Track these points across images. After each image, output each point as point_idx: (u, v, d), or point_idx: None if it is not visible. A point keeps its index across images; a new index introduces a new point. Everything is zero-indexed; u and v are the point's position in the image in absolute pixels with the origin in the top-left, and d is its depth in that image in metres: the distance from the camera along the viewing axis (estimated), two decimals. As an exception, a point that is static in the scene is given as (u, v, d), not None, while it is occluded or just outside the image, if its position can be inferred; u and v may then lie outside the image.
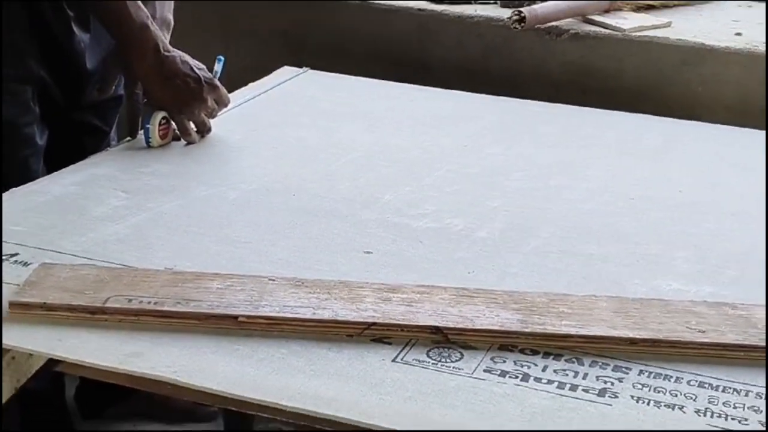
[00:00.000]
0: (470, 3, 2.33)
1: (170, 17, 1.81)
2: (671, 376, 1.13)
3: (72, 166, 1.67)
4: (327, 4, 2.45)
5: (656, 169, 1.86)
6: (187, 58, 1.70)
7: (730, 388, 1.10)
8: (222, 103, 1.76)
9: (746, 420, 1.05)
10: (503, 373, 1.11)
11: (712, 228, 1.60)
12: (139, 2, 1.62)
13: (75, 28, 1.76)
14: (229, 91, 1.86)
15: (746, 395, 1.09)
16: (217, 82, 1.74)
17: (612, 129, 1.99)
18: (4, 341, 1.16)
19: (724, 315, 1.22)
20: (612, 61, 2.20)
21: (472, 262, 1.41)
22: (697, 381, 1.12)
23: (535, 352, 1.16)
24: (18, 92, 1.72)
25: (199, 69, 1.70)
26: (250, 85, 2.07)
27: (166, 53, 1.68)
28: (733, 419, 1.04)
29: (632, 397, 1.08)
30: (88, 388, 2.13)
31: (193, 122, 1.71)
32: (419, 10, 2.36)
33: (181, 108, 1.73)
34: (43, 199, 1.55)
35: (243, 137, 1.86)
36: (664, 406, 1.08)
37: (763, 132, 1.94)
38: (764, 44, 2.11)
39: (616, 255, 1.47)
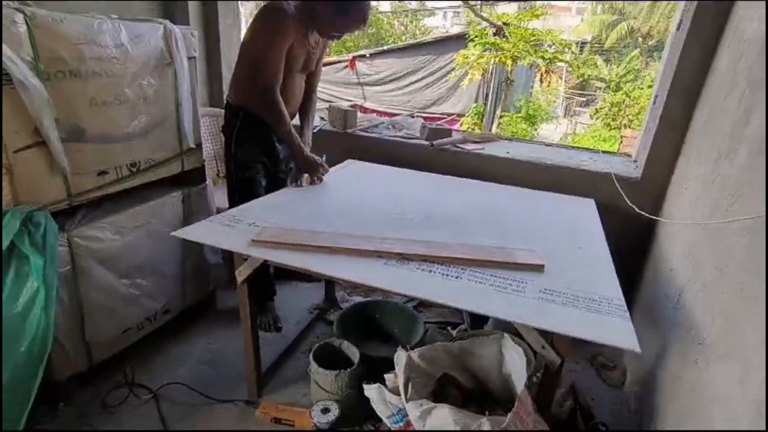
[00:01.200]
0: (418, 140, 2.49)
1: (310, 140, 2.03)
2: (482, 272, 1.22)
3: (275, 192, 1.86)
4: (361, 138, 2.53)
5: (480, 197, 1.90)
6: (314, 155, 1.95)
7: (506, 279, 1.19)
8: (326, 171, 1.99)
9: (504, 288, 1.14)
10: (422, 270, 1.22)
11: (498, 221, 1.64)
12: (296, 133, 1.89)
13: (276, 142, 1.99)
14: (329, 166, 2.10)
15: (511, 281, 1.17)
16: (325, 164, 1.98)
17: (464, 185, 2.10)
18: (250, 254, 1.27)
19: (502, 251, 1.31)
20: (462, 161, 2.32)
21: (415, 230, 1.49)
22: (491, 274, 1.20)
23: (434, 263, 1.25)
24: (256, 168, 1.96)
25: (318, 158, 1.95)
26: (336, 166, 2.21)
27: (306, 154, 1.92)
28: (504, 289, 1.13)
29: (468, 279, 1.19)
30: (278, 271, 2.16)
31: (316, 178, 1.95)
32: (400, 141, 2.44)
33: (312, 173, 1.94)
34: (265, 203, 1.71)
35: (333, 185, 1.96)
36: (477, 282, 1.17)
37: (529, 189, 2.05)
38: (524, 157, 2.26)
39: (471, 230, 1.53)
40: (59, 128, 1.37)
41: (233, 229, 1.38)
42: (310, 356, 1.59)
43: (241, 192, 1.90)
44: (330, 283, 2.29)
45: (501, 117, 8.89)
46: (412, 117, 2.82)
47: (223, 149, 2.04)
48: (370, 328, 1.98)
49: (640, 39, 14.36)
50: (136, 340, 1.78)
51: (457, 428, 1.08)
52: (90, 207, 1.57)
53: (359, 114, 2.73)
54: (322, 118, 2.72)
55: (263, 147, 1.94)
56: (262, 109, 1.80)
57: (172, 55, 1.66)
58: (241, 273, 1.40)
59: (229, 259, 1.44)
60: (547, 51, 8.10)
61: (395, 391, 1.25)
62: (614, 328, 1.00)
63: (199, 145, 1.90)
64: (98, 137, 1.49)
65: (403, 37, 14.98)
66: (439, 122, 6.25)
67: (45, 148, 1.35)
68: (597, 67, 11.53)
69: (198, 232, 1.38)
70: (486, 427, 1.05)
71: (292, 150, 1.90)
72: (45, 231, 1.33)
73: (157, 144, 1.71)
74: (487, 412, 1.12)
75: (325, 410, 1.50)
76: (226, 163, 1.96)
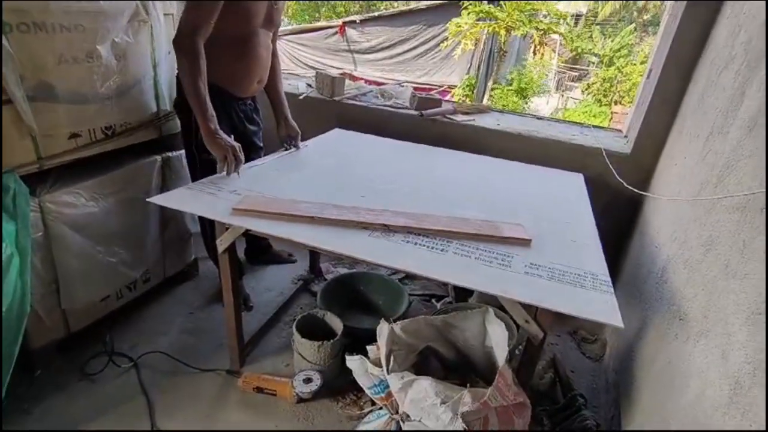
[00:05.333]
0: (407, 109, 2.41)
1: (288, 112, 1.87)
2: (468, 245, 1.21)
3: (258, 160, 1.75)
4: (349, 106, 2.45)
5: (468, 169, 1.88)
6: (227, 138, 1.47)
7: (492, 252, 1.18)
8: (239, 163, 1.48)
9: (490, 261, 1.13)
10: (408, 242, 1.20)
11: (486, 194, 1.63)
12: (209, 105, 1.44)
13: (245, 120, 1.79)
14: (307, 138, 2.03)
15: (497, 254, 1.17)
16: (239, 152, 1.48)
17: (453, 156, 2.06)
18: (231, 224, 1.22)
19: (488, 225, 1.30)
20: (452, 132, 2.28)
21: (401, 202, 1.47)
22: (476, 248, 1.20)
23: (420, 235, 1.24)
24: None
25: (231, 142, 1.47)
26: (321, 135, 2.17)
27: (217, 135, 1.45)
28: (490, 263, 1.13)
29: (454, 252, 1.18)
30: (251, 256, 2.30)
31: (225, 167, 1.49)
32: (389, 111, 2.37)
33: (218, 156, 1.48)
34: (248, 172, 1.60)
35: (319, 154, 1.89)
36: (463, 255, 1.16)
37: (507, 161, 2.04)
38: (514, 130, 2.22)
39: (452, 201, 1.52)
40: (25, 86, 1.29)
41: (214, 197, 1.34)
42: (293, 327, 1.58)
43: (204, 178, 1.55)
44: (315, 254, 2.27)
45: (492, 89, 8.81)
46: (402, 86, 2.77)
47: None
48: (355, 299, 1.97)
49: (636, 13, 14.21)
50: (115, 308, 1.75)
51: (438, 400, 1.09)
52: (62, 171, 1.51)
53: (348, 82, 2.66)
54: (309, 85, 2.64)
55: (229, 124, 1.67)
56: (177, 53, 1.43)
57: (147, 11, 1.57)
58: (223, 242, 1.36)
59: (209, 228, 1.39)
60: (542, 21, 7.94)
61: (377, 363, 1.25)
62: (598, 304, 1.00)
63: (178, 109, 1.87)
64: (69, 97, 1.42)
65: (396, 4, 14.67)
66: (430, 92, 6.23)
67: (11, 108, 1.28)
68: (592, 39, 11.42)
69: (177, 198, 1.32)
70: (467, 399, 1.06)
71: (198, 118, 1.44)
72: (15, 195, 1.28)
73: (133, 106, 1.63)
74: (468, 385, 1.12)
75: (308, 380, 1.51)
76: (186, 144, 1.65)
